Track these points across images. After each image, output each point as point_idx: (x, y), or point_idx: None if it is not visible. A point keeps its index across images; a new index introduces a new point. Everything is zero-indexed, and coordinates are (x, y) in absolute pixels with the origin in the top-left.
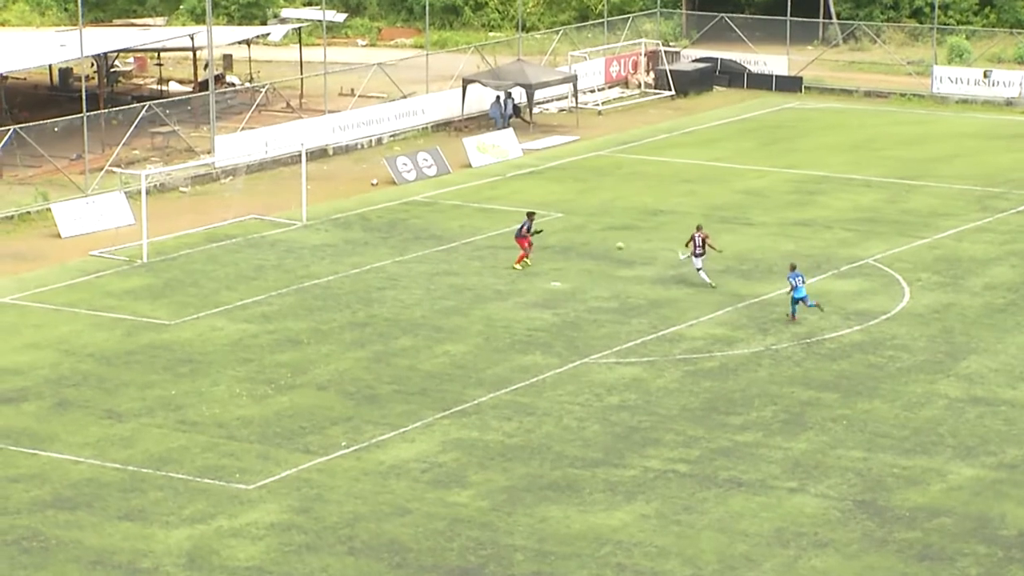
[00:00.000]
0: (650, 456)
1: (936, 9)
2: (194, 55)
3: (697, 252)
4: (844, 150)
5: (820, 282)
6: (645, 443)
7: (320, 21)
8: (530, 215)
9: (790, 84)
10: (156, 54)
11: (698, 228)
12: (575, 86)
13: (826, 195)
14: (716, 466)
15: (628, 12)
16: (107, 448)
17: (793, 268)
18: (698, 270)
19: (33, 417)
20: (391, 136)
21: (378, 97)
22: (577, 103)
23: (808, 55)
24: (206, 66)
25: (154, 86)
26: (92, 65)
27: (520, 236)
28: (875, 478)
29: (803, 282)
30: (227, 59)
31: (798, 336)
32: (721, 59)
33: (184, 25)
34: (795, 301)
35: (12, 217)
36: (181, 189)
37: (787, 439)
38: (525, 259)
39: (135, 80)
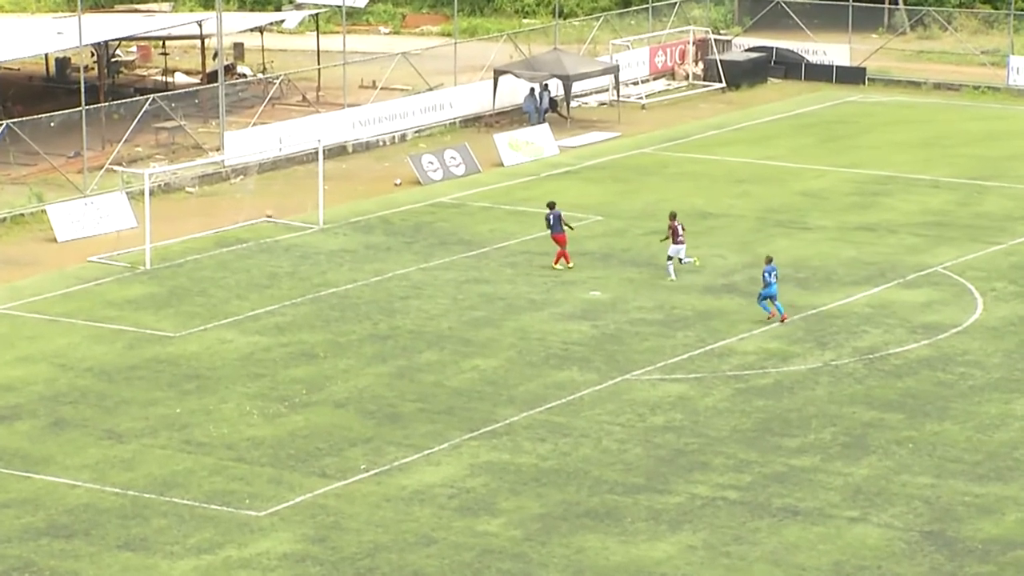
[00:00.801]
0: (697, 482)
1: None
2: (202, 44)
3: (679, 240)
4: (911, 148)
5: (884, 292)
6: (692, 467)
7: (339, 7)
8: (551, 205)
9: (852, 75)
10: (161, 43)
11: (673, 217)
12: (617, 78)
13: (891, 197)
14: (770, 493)
15: None
16: (106, 471)
17: (769, 261)
18: (681, 260)
19: (26, 437)
20: (416, 132)
21: (402, 90)
22: (619, 96)
23: (872, 44)
24: (215, 56)
25: (159, 77)
26: (92, 55)
27: (558, 232)
28: (944, 507)
29: (777, 278)
30: (238, 48)
31: (860, 351)
32: (776, 48)
33: (191, 11)
34: (764, 298)
35: (4, 219)
36: (188, 189)
37: (848, 464)
38: (564, 258)
39: (138, 71)
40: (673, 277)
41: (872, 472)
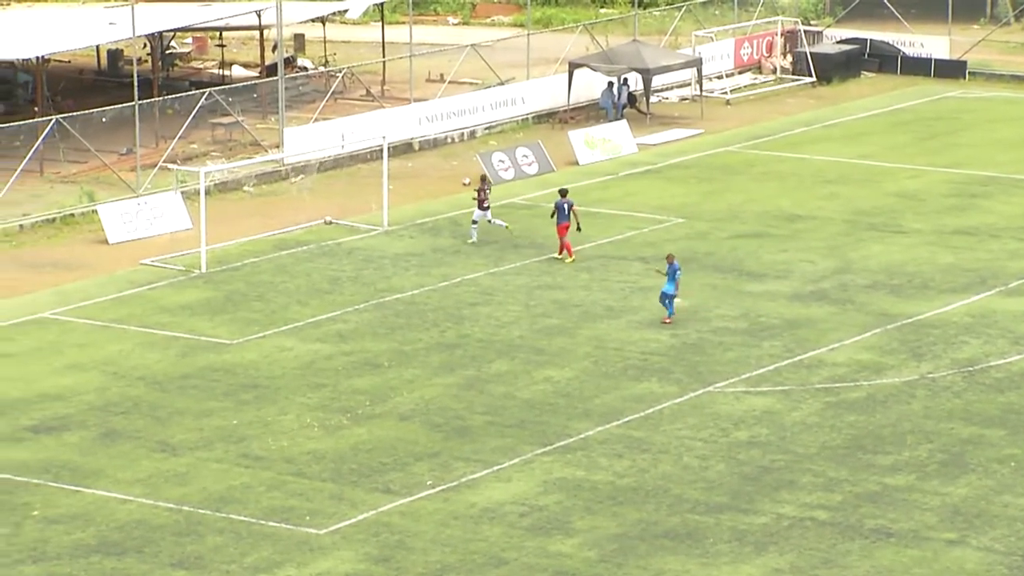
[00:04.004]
0: (784, 501)
1: None
2: (261, 35)
3: (484, 206)
4: (1014, 146)
5: (985, 300)
6: (778, 486)
7: None
8: (563, 192)
9: (952, 69)
10: (218, 33)
11: (483, 179)
12: (699, 71)
13: (993, 199)
14: (861, 513)
15: None
16: (159, 485)
17: (671, 259)
18: (489, 221)
19: (76, 449)
20: (486, 129)
21: (471, 83)
22: (702, 91)
23: (974, 35)
24: (275, 47)
25: (215, 71)
26: (145, 46)
27: (565, 221)
28: None
29: (677, 278)
30: (299, 39)
31: (959, 363)
32: (871, 40)
33: (249, 0)
34: (666, 297)
35: (54, 220)
36: (245, 189)
37: (945, 483)
38: (567, 250)
39: (193, 63)
40: (474, 239)
41: (971, 492)
